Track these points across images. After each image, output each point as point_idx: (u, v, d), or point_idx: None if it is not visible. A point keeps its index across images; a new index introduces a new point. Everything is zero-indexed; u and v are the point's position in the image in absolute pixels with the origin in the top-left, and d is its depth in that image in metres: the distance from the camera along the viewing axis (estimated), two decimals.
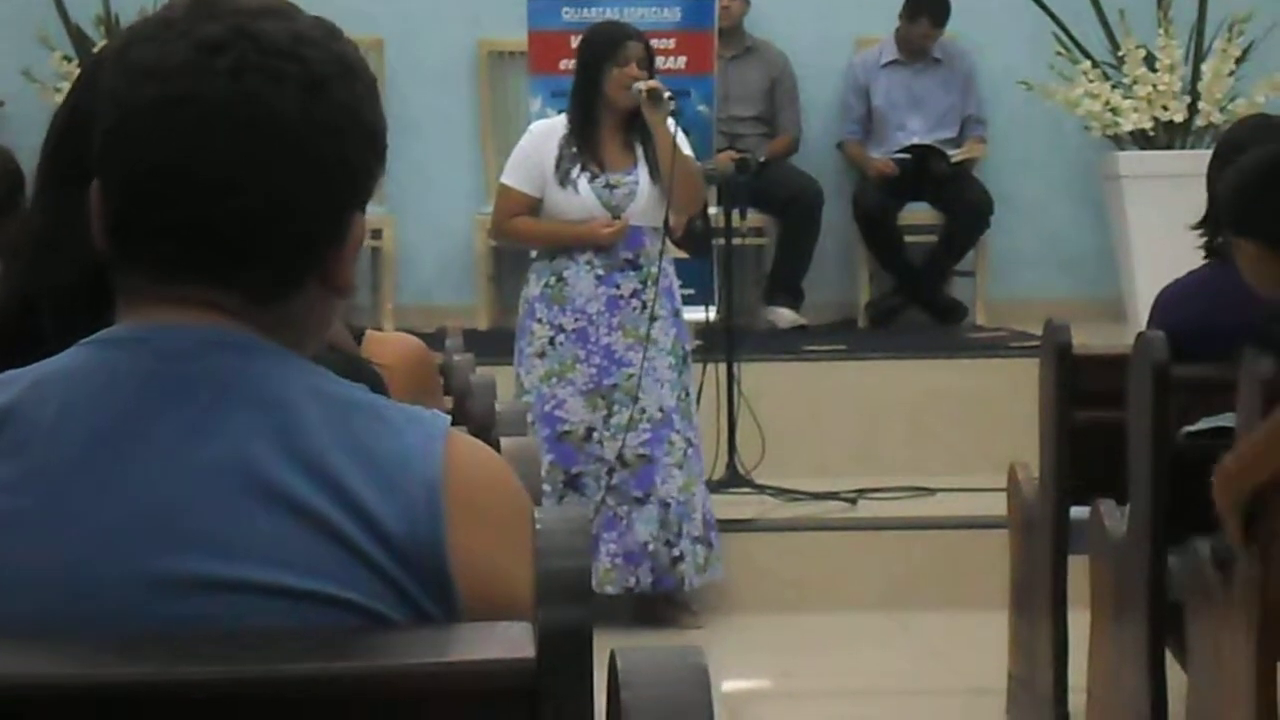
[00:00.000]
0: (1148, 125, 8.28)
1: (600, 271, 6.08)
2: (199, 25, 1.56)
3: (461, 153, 9.01)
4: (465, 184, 8.98)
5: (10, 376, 1.58)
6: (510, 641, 1.45)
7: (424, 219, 8.88)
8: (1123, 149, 8.40)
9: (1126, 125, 8.29)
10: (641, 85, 6.00)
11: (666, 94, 6.03)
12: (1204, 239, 4.51)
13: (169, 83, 1.55)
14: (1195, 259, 4.57)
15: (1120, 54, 8.40)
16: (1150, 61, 8.31)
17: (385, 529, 1.53)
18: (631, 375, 6.04)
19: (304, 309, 1.61)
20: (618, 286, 6.09)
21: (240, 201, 1.54)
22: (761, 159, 8.31)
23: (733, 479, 6.86)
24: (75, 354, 1.58)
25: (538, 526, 1.46)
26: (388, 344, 3.00)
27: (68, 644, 1.48)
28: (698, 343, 6.57)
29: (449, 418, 1.60)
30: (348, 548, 1.52)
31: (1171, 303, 4.49)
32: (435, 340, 5.21)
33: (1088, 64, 8.42)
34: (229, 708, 1.42)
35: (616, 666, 1.40)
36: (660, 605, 6.24)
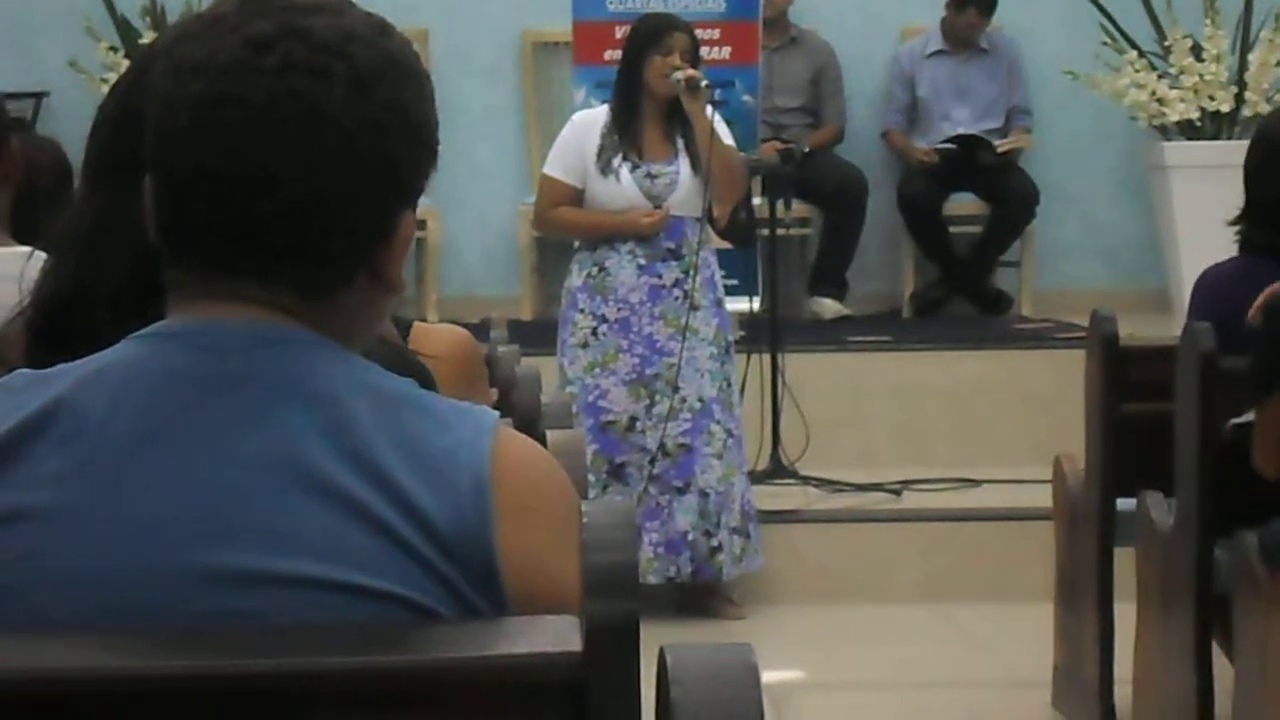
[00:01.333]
0: (1194, 116, 8.25)
1: (642, 261, 6.09)
2: (249, 22, 1.57)
3: (506, 144, 9.02)
4: (509, 175, 8.99)
5: (62, 370, 1.59)
6: (557, 635, 1.45)
7: (468, 210, 8.90)
8: (1169, 139, 8.37)
9: (1173, 116, 8.26)
10: (680, 74, 6.00)
11: (704, 82, 6.02)
12: (1239, 233, 4.49)
13: (216, 80, 1.55)
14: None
15: (1166, 44, 8.36)
16: (1197, 52, 8.28)
17: (433, 524, 1.53)
18: (673, 365, 6.04)
19: (353, 305, 1.61)
20: (659, 276, 6.09)
21: (286, 199, 1.55)
22: (806, 149, 8.29)
23: (776, 470, 6.86)
24: (126, 347, 1.59)
25: (584, 520, 1.46)
26: (435, 336, 2.99)
27: (117, 637, 1.48)
28: (741, 333, 6.57)
29: (497, 413, 1.60)
30: (396, 542, 1.52)
31: (1211, 289, 4.47)
32: (479, 331, 5.20)
33: (1134, 54, 8.39)
34: (277, 702, 1.43)
35: (666, 663, 1.40)
36: (701, 595, 6.24)
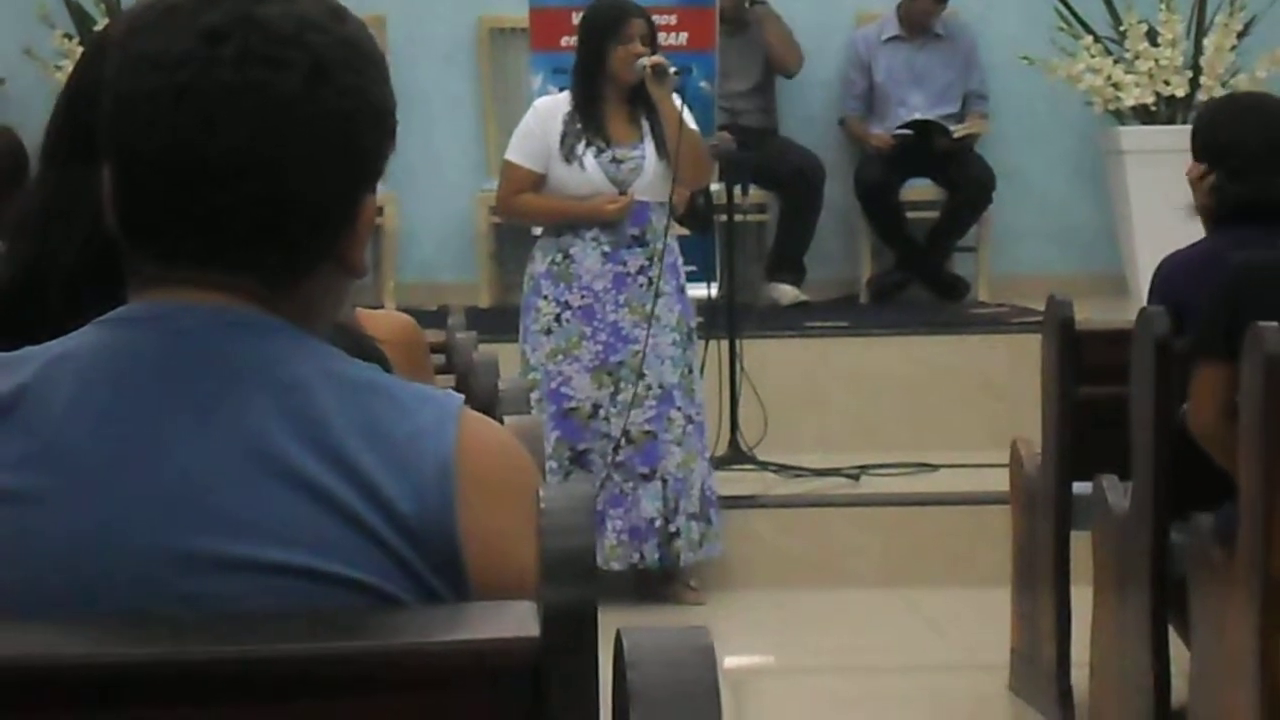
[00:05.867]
0: (1149, 100, 8.27)
1: (607, 248, 6.09)
2: (202, 13, 1.56)
3: (463, 130, 9.01)
4: (467, 161, 8.97)
5: (24, 355, 1.59)
6: (515, 621, 1.45)
7: (426, 196, 8.88)
8: (1124, 124, 8.39)
9: (1128, 100, 8.29)
10: (645, 61, 6.01)
11: (671, 69, 6.03)
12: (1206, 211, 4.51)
13: (173, 73, 1.55)
14: (1196, 232, 4.57)
15: (1122, 28, 8.39)
16: (1152, 36, 8.31)
17: (397, 509, 1.53)
18: (637, 352, 6.04)
19: (317, 290, 1.61)
20: (624, 263, 6.09)
21: (248, 190, 1.55)
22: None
23: (735, 455, 6.87)
24: (89, 333, 1.59)
25: (542, 505, 1.46)
26: (379, 321, 2.98)
27: (78, 623, 1.48)
28: (699, 320, 6.58)
29: (462, 397, 1.61)
30: (360, 528, 1.53)
31: (1171, 275, 4.49)
32: (437, 318, 5.21)
33: (1089, 39, 8.41)
34: (237, 687, 1.43)
35: (623, 647, 1.41)
36: (660, 581, 6.25)
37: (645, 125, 6.12)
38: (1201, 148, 4.50)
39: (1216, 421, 3.97)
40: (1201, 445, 4.06)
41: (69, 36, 8.59)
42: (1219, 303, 4.00)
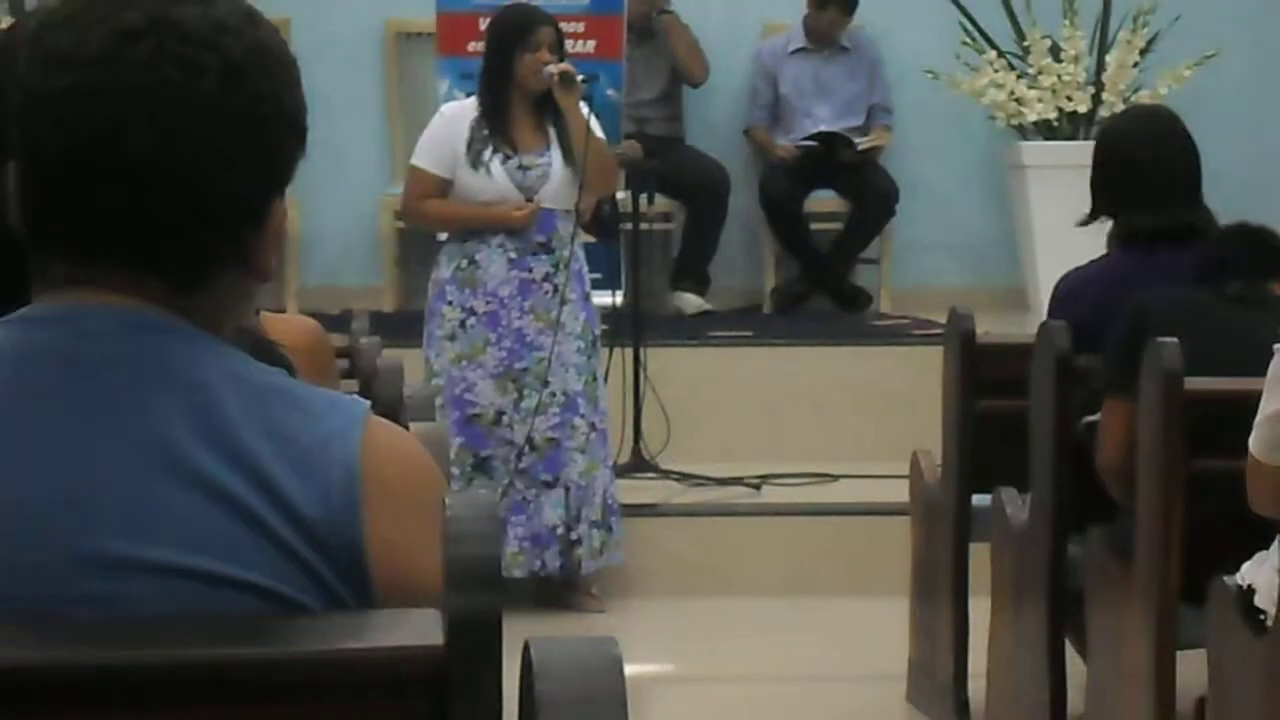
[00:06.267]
0: (1052, 116, 8.34)
1: (512, 255, 6.08)
2: (116, 12, 1.55)
3: (368, 134, 8.97)
4: (372, 165, 8.94)
5: None
6: (419, 629, 1.45)
7: (330, 200, 8.83)
8: (1027, 139, 8.46)
9: (1031, 115, 8.35)
10: (553, 69, 6.01)
11: (580, 77, 6.03)
12: (1113, 231, 4.54)
13: (85, 71, 1.54)
14: (1097, 249, 4.60)
15: (1025, 44, 8.46)
16: (1055, 52, 8.38)
17: (301, 514, 1.53)
18: (542, 359, 6.04)
19: (224, 294, 1.61)
20: (530, 270, 6.09)
21: (158, 191, 1.54)
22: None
23: (637, 464, 6.87)
24: None
25: (447, 513, 1.46)
26: (285, 325, 2.97)
27: None
28: (604, 327, 6.58)
29: (368, 403, 1.60)
30: (263, 532, 1.52)
31: (1071, 293, 4.53)
32: (341, 322, 5.19)
33: (993, 54, 8.47)
34: (135, 694, 1.42)
35: (530, 658, 1.41)
36: (560, 588, 6.24)
37: (552, 133, 6.11)
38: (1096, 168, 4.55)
39: (1122, 459, 4.00)
40: (1107, 482, 4.09)
41: None
42: (1122, 342, 4.03)
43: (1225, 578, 3.49)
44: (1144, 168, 4.44)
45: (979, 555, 4.81)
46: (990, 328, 5.23)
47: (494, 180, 6.05)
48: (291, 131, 1.60)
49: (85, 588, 1.49)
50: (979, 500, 4.77)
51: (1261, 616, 3.38)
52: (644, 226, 7.13)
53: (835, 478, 7.00)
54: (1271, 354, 3.24)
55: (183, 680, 1.42)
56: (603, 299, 6.64)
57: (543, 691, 1.38)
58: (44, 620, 1.48)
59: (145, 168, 1.54)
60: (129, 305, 1.56)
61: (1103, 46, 8.45)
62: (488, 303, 6.07)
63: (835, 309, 8.85)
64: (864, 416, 7.32)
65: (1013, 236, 8.72)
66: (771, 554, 6.51)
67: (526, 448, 6.04)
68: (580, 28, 7.77)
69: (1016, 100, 8.35)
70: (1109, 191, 4.50)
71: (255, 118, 1.56)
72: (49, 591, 1.49)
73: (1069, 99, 8.31)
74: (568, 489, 6.08)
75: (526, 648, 1.42)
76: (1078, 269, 4.56)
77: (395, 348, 4.94)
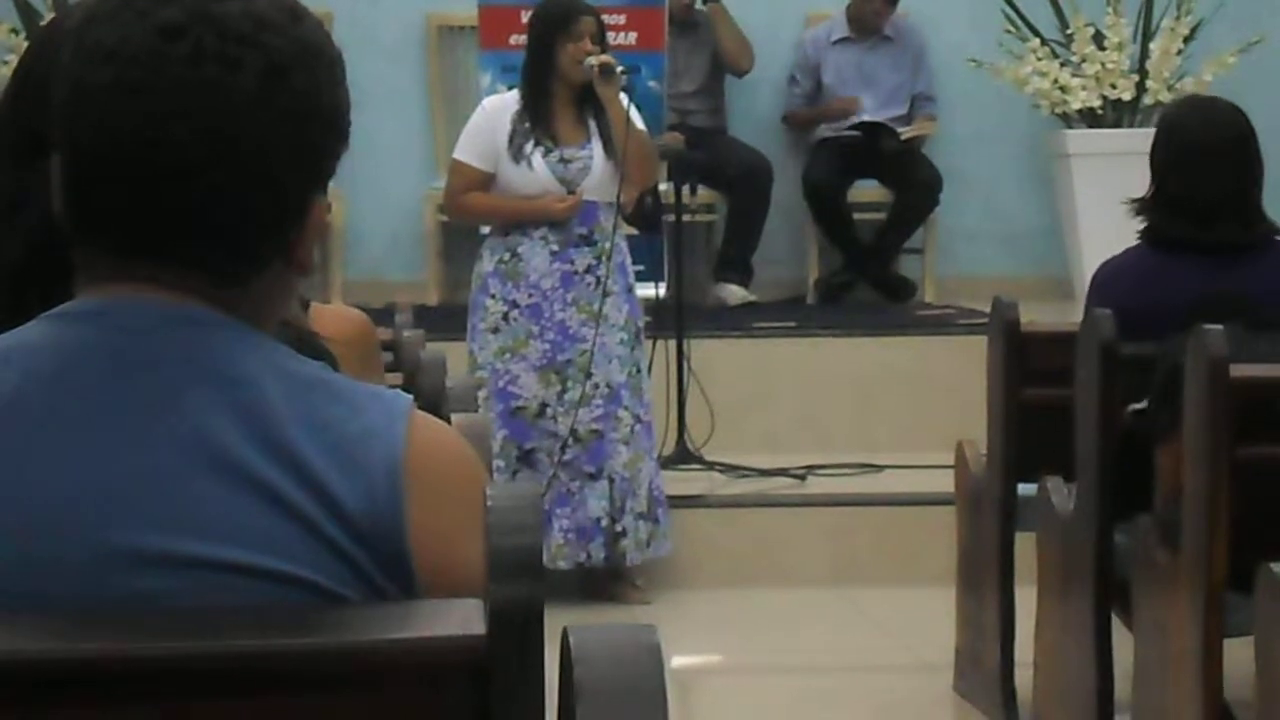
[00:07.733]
0: (1096, 104, 8.31)
1: (555, 247, 6.08)
2: (158, 8, 1.55)
3: (411, 128, 8.99)
4: (415, 159, 8.96)
5: None
6: (461, 619, 1.45)
7: (373, 194, 8.86)
8: (1071, 127, 8.43)
9: (1074, 103, 8.32)
10: (594, 60, 6.00)
11: (619, 68, 6.03)
12: (1142, 220, 4.51)
13: (127, 67, 1.54)
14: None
15: (1069, 32, 8.43)
16: (1099, 40, 8.35)
17: (344, 507, 1.53)
18: (585, 351, 6.04)
19: (266, 288, 1.61)
20: (572, 262, 6.09)
21: (198, 187, 1.54)
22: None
23: (682, 455, 6.87)
24: (35, 328, 1.58)
25: (489, 504, 1.46)
26: (331, 317, 2.97)
27: (17, 619, 1.47)
28: (647, 319, 6.58)
29: (411, 397, 1.60)
30: (306, 525, 1.52)
31: (1108, 280, 4.51)
32: (385, 316, 5.20)
33: (1036, 42, 8.45)
34: (180, 685, 1.43)
35: (569, 645, 1.41)
36: (606, 580, 6.25)
37: (593, 125, 6.12)
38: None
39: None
40: (1166, 526, 4.06)
41: (15, 32, 8.54)
42: (1165, 390, 4.01)
43: (1272, 565, 3.47)
44: (1193, 172, 4.40)
45: (1024, 544, 4.80)
46: (1035, 317, 5.21)
47: (535, 173, 6.05)
48: (333, 129, 1.60)
49: (129, 584, 1.49)
50: (1024, 489, 4.76)
51: None
52: (687, 218, 7.13)
53: (880, 468, 6.99)
54: None
55: (225, 671, 1.43)
56: (646, 291, 6.64)
57: (581, 678, 1.38)
58: (93, 614, 1.48)
59: (186, 164, 1.54)
60: (172, 300, 1.56)
61: (1146, 34, 8.41)
62: (530, 295, 6.08)
63: (879, 299, 8.84)
64: (909, 407, 7.30)
65: (1057, 225, 8.70)
66: (817, 544, 6.51)
67: (570, 440, 6.04)
68: (621, 19, 7.78)
69: (1060, 88, 8.33)
70: (1164, 176, 4.47)
71: (296, 115, 1.56)
72: (93, 589, 1.49)
73: (1113, 87, 8.29)
74: (611, 481, 6.08)
75: (565, 635, 1.42)
76: (1114, 256, 4.54)
77: (439, 341, 4.96)
